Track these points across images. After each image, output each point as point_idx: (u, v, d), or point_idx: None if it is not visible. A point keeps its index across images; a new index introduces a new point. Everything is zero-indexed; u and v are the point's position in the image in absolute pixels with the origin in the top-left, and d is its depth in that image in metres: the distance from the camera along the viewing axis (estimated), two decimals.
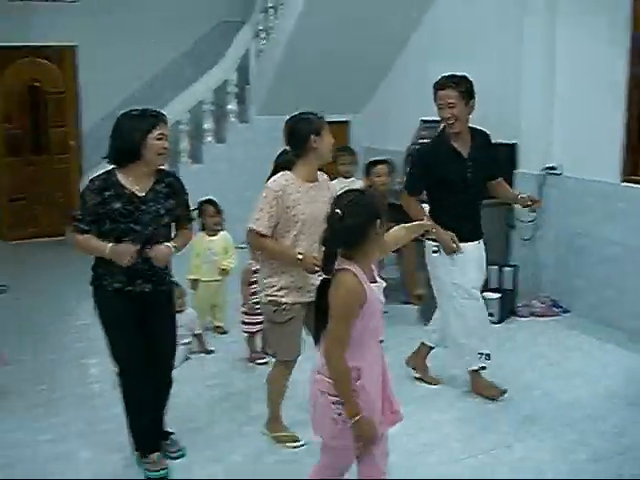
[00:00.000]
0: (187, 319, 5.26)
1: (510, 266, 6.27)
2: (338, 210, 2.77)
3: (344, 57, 8.08)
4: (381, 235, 2.84)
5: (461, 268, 4.45)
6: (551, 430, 4.19)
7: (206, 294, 5.72)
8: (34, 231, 9.41)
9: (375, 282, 2.84)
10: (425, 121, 7.60)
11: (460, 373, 4.79)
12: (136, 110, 3.56)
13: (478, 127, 4.58)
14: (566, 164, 6.15)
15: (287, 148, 4.05)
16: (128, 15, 9.19)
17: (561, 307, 6.24)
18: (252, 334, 5.24)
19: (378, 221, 2.77)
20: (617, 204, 5.77)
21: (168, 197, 3.61)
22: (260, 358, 5.20)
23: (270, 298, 3.86)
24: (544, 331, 5.73)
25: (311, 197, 3.82)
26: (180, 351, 5.11)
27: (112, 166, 3.57)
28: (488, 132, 4.65)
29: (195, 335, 5.40)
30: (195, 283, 5.73)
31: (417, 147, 4.65)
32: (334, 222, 2.76)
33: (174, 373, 3.91)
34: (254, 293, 4.96)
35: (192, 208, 3.91)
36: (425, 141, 7.19)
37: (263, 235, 3.76)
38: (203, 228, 5.75)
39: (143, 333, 3.63)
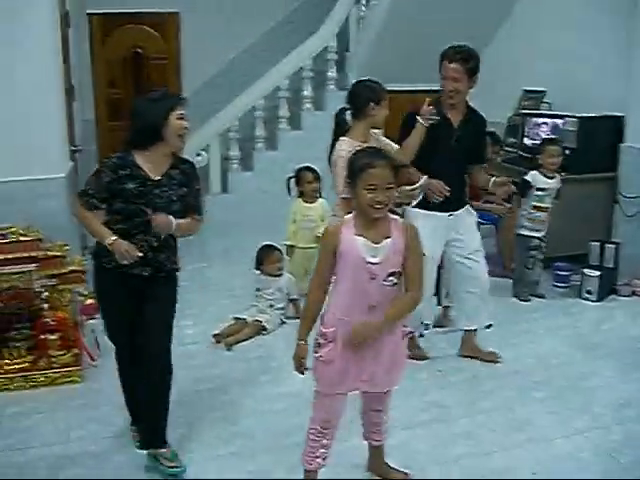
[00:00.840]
0: (283, 284, 5.35)
1: (612, 243, 6.07)
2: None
3: (445, 26, 7.89)
4: (370, 194, 2.87)
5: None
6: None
7: (302, 260, 5.75)
8: None
9: (375, 241, 2.90)
10: (528, 91, 7.42)
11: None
12: (154, 93, 3.54)
13: (477, 110, 4.64)
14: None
15: (345, 107, 4.47)
16: None
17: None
18: None
19: (363, 177, 2.88)
20: None
21: (181, 184, 3.53)
22: None
23: None
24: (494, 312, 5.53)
25: None
26: (275, 316, 5.22)
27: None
28: (485, 119, 4.69)
29: (291, 300, 5.47)
30: (291, 249, 5.79)
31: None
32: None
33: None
34: None
35: (202, 199, 3.76)
36: (528, 111, 7.08)
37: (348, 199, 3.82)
38: (301, 195, 5.78)
39: (139, 317, 3.53)
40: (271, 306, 5.30)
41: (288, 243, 5.78)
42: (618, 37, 6.39)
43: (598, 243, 5.98)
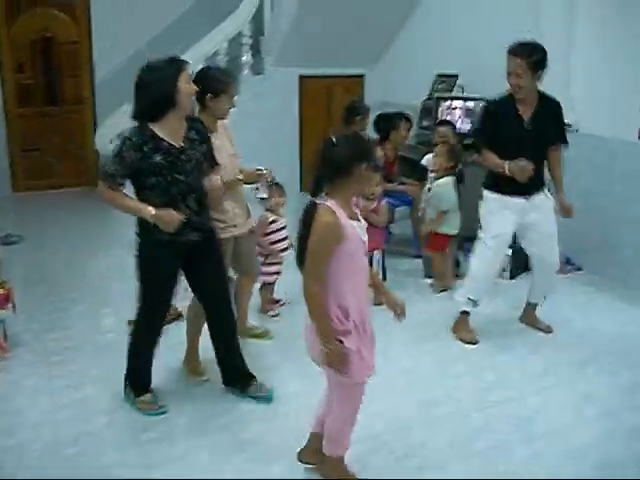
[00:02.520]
0: None
1: None
2: (333, 139, 2.90)
3: (359, 9, 7.97)
4: (365, 179, 2.94)
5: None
6: (562, 385, 4.23)
7: None
8: (47, 182, 9.41)
9: (358, 220, 2.94)
10: (440, 75, 7.53)
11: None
12: (155, 61, 3.53)
13: (550, 96, 4.62)
14: (583, 121, 6.07)
15: None
16: None
17: (574, 264, 6.23)
18: (269, 284, 5.26)
19: (365, 163, 2.87)
20: (634, 162, 5.71)
21: (202, 142, 3.65)
22: (272, 309, 5.24)
23: None
24: (558, 288, 5.73)
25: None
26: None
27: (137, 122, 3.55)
28: (559, 101, 4.66)
29: None
30: None
31: (485, 102, 4.82)
32: (326, 149, 2.89)
33: None
34: (273, 242, 5.04)
35: None
36: (441, 95, 7.19)
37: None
38: None
39: (192, 279, 3.84)
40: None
41: None
42: (527, 19, 6.52)
43: None
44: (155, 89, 3.44)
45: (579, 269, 6.20)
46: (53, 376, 4.27)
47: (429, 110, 7.22)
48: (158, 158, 3.44)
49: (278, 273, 5.19)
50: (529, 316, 5.11)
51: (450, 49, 7.55)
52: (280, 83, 8.65)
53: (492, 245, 4.73)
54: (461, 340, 4.84)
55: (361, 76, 9.22)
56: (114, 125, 8.09)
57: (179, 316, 4.97)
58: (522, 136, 4.55)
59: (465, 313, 4.90)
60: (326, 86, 8.96)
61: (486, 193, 4.76)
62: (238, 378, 4.04)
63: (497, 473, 3.36)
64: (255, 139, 7.75)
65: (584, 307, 5.46)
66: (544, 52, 4.45)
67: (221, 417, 3.84)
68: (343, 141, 2.91)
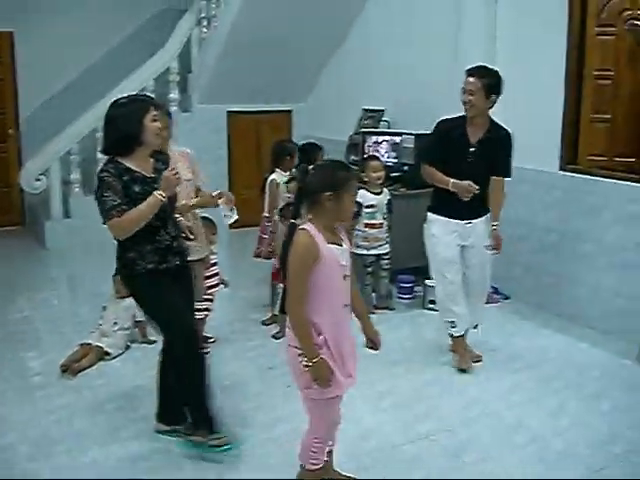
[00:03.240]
0: (129, 304, 5.04)
1: None
2: (309, 167, 3.15)
3: (286, 46, 8.07)
4: (337, 206, 2.99)
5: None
6: (492, 415, 4.28)
7: None
8: None
9: (339, 245, 3.06)
10: (367, 110, 7.66)
11: None
12: (123, 98, 3.70)
13: (503, 125, 4.77)
14: None
15: None
16: None
17: (502, 294, 6.35)
18: (197, 320, 5.17)
19: (331, 193, 2.96)
20: (555, 192, 5.90)
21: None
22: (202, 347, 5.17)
23: None
24: (487, 317, 5.83)
25: None
26: (119, 337, 5.11)
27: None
28: (510, 133, 4.79)
29: (137, 322, 5.30)
30: None
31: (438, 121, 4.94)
32: (301, 177, 3.14)
33: None
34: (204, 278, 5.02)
35: None
36: (368, 129, 7.30)
37: None
38: None
39: None
40: (115, 324, 5.16)
41: None
42: (445, 55, 6.69)
43: None
44: (122, 127, 3.58)
45: (507, 297, 6.32)
46: None
47: (356, 145, 7.32)
48: (137, 188, 3.56)
49: (208, 310, 5.15)
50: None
51: (376, 85, 7.69)
52: (208, 120, 8.68)
53: (440, 266, 4.89)
54: (458, 368, 4.92)
55: (289, 112, 9.31)
56: (39, 161, 8.02)
57: (105, 354, 4.93)
58: (466, 157, 4.69)
59: (451, 336, 5.00)
60: (254, 122, 9.03)
61: (430, 215, 4.88)
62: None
63: None
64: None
65: (511, 335, 5.56)
66: (499, 78, 4.65)
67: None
68: (316, 170, 3.10)
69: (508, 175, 4.88)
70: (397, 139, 6.85)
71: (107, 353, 5.01)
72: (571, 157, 5.88)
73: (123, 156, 3.61)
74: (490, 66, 4.72)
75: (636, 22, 5.51)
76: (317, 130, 8.76)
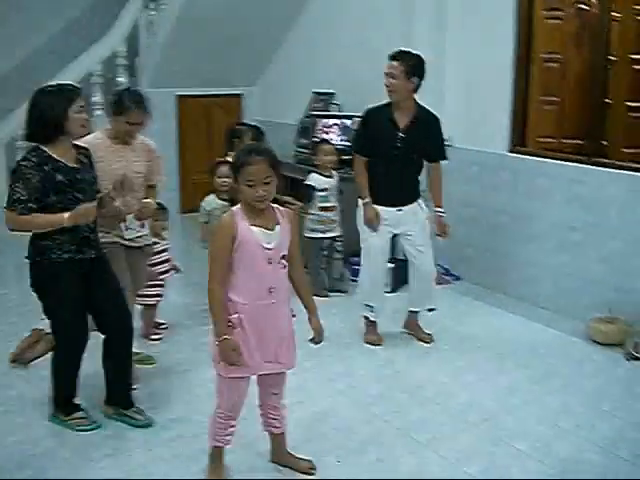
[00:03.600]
0: None
1: None
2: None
3: (236, 29, 7.99)
4: (240, 189, 3.09)
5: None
6: (443, 394, 4.33)
7: None
8: None
9: (267, 229, 3.11)
10: (318, 93, 7.64)
11: None
12: (51, 86, 3.70)
13: (430, 110, 4.85)
14: (457, 136, 6.27)
15: None
16: None
17: (454, 275, 6.42)
18: (149, 306, 5.16)
19: (235, 177, 3.10)
20: (504, 174, 5.96)
21: (91, 166, 3.83)
22: (155, 333, 5.15)
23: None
24: (437, 298, 5.87)
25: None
26: None
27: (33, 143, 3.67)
28: (438, 117, 4.87)
29: None
30: None
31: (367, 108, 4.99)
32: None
33: None
34: (153, 265, 4.97)
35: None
36: (318, 113, 7.28)
37: None
38: None
39: (90, 304, 3.82)
40: None
41: None
42: (399, 35, 6.69)
43: None
44: (46, 114, 3.58)
45: (458, 278, 6.39)
46: None
47: (306, 128, 7.30)
48: (59, 177, 3.58)
49: (159, 295, 5.12)
50: (411, 325, 5.25)
51: (326, 68, 7.67)
52: (157, 104, 8.51)
53: (368, 252, 5.00)
54: (367, 342, 5.08)
55: (239, 95, 9.24)
56: None
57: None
58: (394, 142, 4.74)
59: (366, 318, 5.12)
60: (204, 106, 8.94)
61: (360, 202, 4.94)
62: (122, 401, 4.00)
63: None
64: None
65: (463, 315, 5.63)
66: (421, 61, 4.69)
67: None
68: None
69: (443, 157, 4.99)
70: (348, 122, 6.86)
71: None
72: (520, 139, 5.95)
73: (46, 144, 3.62)
74: (413, 50, 4.76)
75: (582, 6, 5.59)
76: (268, 114, 8.73)
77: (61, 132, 3.61)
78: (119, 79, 8.41)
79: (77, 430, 3.86)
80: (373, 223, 4.85)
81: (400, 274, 5.90)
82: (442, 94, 6.26)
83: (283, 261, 3.17)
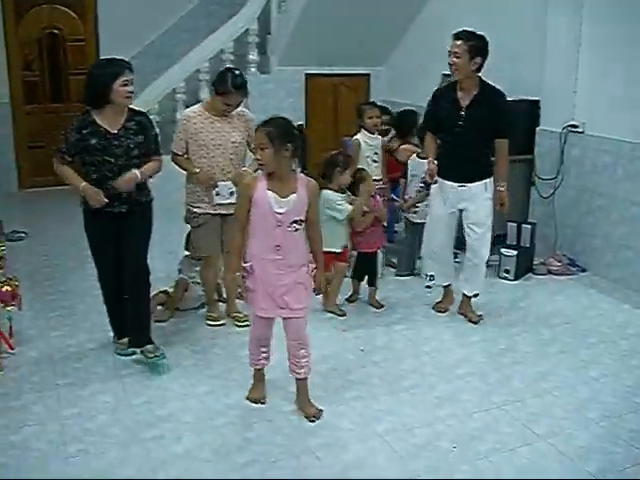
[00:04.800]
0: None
1: (528, 223, 6.25)
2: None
3: (366, 9, 7.97)
4: (287, 159, 3.56)
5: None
6: (566, 387, 4.23)
7: None
8: (53, 179, 9.36)
9: (281, 196, 3.54)
10: (446, 75, 7.51)
11: None
12: (104, 60, 4.22)
13: (496, 86, 4.90)
14: (588, 122, 6.08)
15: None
16: None
17: (578, 266, 6.23)
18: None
19: (288, 145, 3.53)
20: (638, 163, 5.72)
21: (137, 133, 4.18)
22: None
23: (186, 206, 4.93)
24: (561, 289, 5.73)
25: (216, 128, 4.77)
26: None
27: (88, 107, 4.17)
28: (504, 94, 4.92)
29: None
30: None
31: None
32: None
33: None
34: None
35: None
36: None
37: (177, 154, 4.85)
38: None
39: (118, 246, 4.30)
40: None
41: None
42: (531, 22, 6.55)
43: (515, 224, 6.15)
44: (94, 84, 4.06)
45: (584, 270, 6.20)
46: (57, 374, 4.30)
47: None
48: (93, 141, 4.07)
49: None
50: (461, 304, 5.28)
51: None
52: (286, 82, 8.67)
53: (430, 223, 5.21)
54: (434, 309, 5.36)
55: (367, 75, 9.23)
56: None
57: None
58: (457, 121, 4.86)
59: (428, 287, 5.44)
60: (332, 85, 8.97)
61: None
62: (139, 339, 4.44)
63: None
64: None
65: (587, 309, 5.46)
66: (484, 41, 4.77)
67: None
68: (273, 125, 3.60)
69: (504, 136, 4.95)
70: None
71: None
72: None
73: (95, 109, 4.11)
74: (475, 30, 4.80)
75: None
76: (395, 94, 8.68)
77: (106, 101, 4.04)
78: (250, 57, 8.56)
79: (116, 354, 4.51)
80: (433, 173, 4.93)
81: (524, 262, 5.80)
82: (574, 77, 6.08)
83: (295, 225, 3.59)
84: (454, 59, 4.75)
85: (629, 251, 5.81)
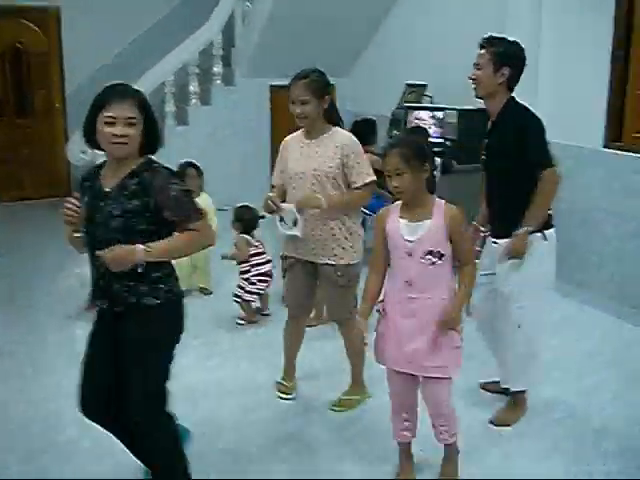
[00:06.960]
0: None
1: None
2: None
3: (329, 20, 8.05)
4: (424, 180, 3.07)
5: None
6: (577, 416, 4.18)
7: (187, 257, 5.69)
8: (18, 194, 9.38)
9: (412, 221, 3.06)
10: (410, 85, 7.61)
11: None
12: (107, 85, 2.92)
13: (524, 105, 3.74)
14: (550, 131, 6.13)
15: None
16: None
17: None
18: (245, 301, 5.39)
19: (426, 165, 3.05)
20: (598, 170, 5.80)
21: (133, 197, 2.76)
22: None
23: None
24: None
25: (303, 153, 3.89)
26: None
27: None
28: (529, 109, 3.73)
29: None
30: None
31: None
32: None
33: None
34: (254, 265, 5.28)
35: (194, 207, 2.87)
36: (411, 105, 7.25)
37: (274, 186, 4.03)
38: None
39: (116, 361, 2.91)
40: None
41: None
42: (492, 28, 6.61)
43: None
44: (85, 120, 2.85)
45: None
46: (24, 390, 4.27)
47: (398, 120, 7.29)
48: (87, 199, 2.85)
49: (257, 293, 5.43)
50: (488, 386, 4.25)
51: (419, 59, 7.64)
52: (251, 94, 8.71)
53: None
54: None
55: (332, 86, 9.27)
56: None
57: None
58: (481, 155, 3.88)
59: None
60: None
61: None
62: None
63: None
64: (227, 149, 7.84)
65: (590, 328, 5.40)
66: (513, 48, 3.73)
67: None
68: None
69: (539, 163, 3.62)
70: (440, 114, 6.81)
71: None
72: (615, 134, 5.80)
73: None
74: (505, 36, 3.84)
75: None
76: (360, 105, 8.74)
77: (98, 147, 2.84)
78: (215, 69, 8.60)
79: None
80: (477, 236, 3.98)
81: None
82: (535, 86, 6.16)
83: (429, 257, 3.01)
84: (475, 71, 3.72)
85: (592, 255, 5.92)
